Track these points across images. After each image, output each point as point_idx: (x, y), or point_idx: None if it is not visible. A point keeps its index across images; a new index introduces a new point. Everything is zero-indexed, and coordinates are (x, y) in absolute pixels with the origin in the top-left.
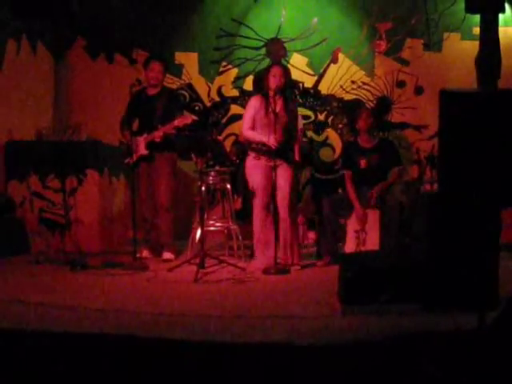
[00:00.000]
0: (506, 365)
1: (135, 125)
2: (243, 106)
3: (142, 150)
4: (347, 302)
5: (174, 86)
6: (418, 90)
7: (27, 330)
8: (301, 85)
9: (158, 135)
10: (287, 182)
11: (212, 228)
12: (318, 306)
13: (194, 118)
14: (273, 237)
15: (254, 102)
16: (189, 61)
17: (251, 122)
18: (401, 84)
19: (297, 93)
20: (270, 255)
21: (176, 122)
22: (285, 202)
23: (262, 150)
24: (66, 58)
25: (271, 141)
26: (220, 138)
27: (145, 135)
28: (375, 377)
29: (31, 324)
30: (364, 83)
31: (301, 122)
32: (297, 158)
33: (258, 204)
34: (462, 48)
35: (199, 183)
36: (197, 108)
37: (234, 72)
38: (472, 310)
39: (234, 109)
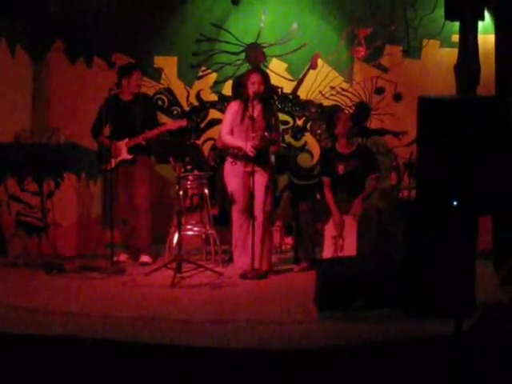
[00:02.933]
0: (481, 371)
1: (107, 130)
2: (222, 110)
3: (125, 155)
4: (324, 307)
5: (153, 90)
6: (397, 97)
7: (2, 334)
8: (279, 90)
9: (143, 139)
10: (263, 188)
11: (190, 232)
12: (294, 311)
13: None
14: (250, 242)
15: (233, 107)
16: (168, 65)
17: (230, 127)
18: (380, 90)
19: (275, 98)
20: (248, 260)
21: (168, 126)
22: (261, 207)
23: (239, 155)
24: (44, 61)
25: (248, 147)
26: (198, 142)
27: (126, 140)
28: (350, 383)
29: (6, 327)
30: (343, 89)
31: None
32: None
33: (235, 209)
34: (441, 55)
35: (177, 188)
36: (175, 112)
37: (213, 76)
38: (448, 317)
39: (213, 113)
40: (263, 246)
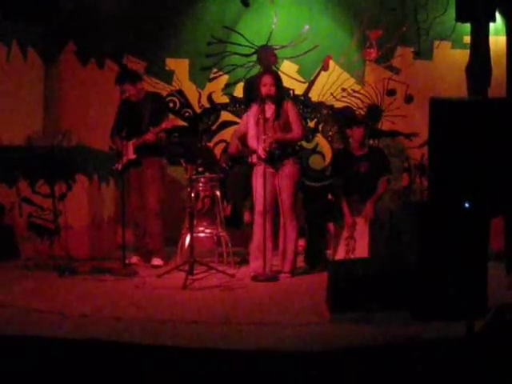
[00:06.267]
0: (493, 372)
1: (124, 132)
2: (234, 112)
3: (130, 155)
4: (336, 309)
5: (165, 93)
6: (408, 98)
7: (14, 335)
8: (291, 92)
9: (149, 137)
10: (284, 189)
11: (201, 234)
12: (306, 313)
13: (176, 120)
14: (266, 243)
15: (253, 110)
16: (179, 67)
17: (253, 131)
18: (391, 92)
19: (289, 99)
20: (262, 262)
21: (164, 125)
22: (284, 208)
23: (257, 157)
24: (56, 64)
25: (260, 149)
26: (210, 144)
27: (133, 140)
28: None
29: (19, 329)
30: (354, 91)
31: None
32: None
33: (256, 210)
34: (453, 56)
35: (189, 190)
36: (187, 114)
37: (225, 79)
38: (460, 318)
39: (225, 115)
40: (285, 246)
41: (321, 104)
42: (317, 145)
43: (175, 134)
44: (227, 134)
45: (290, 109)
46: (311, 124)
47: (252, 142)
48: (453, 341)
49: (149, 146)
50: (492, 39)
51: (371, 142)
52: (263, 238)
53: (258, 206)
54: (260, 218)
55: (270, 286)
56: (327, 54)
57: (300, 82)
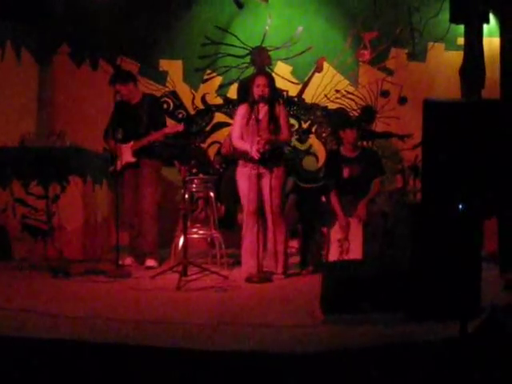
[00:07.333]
0: (486, 373)
1: (119, 134)
2: (227, 114)
3: (129, 158)
4: (329, 310)
5: (158, 94)
6: (402, 100)
7: (8, 337)
8: (285, 93)
9: (147, 141)
10: (273, 190)
11: (195, 236)
12: (300, 314)
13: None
14: (257, 245)
15: (241, 111)
16: (173, 68)
17: (240, 132)
18: (385, 93)
19: (281, 101)
20: (254, 263)
21: (167, 130)
22: (270, 210)
23: (247, 158)
24: (50, 65)
25: (253, 151)
26: (204, 145)
27: (131, 143)
28: None
29: (12, 331)
30: (348, 92)
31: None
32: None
33: (245, 212)
34: (446, 58)
35: (182, 191)
36: (181, 116)
37: (219, 80)
38: (454, 320)
39: (218, 117)
40: (276, 247)
41: (315, 105)
42: (310, 146)
43: (167, 135)
44: (221, 135)
45: (281, 111)
46: (305, 125)
47: (237, 142)
48: (446, 341)
49: (145, 147)
50: (486, 40)
51: (365, 143)
52: (254, 239)
53: (248, 206)
54: (250, 219)
55: (263, 287)
56: (321, 56)
57: (294, 83)
